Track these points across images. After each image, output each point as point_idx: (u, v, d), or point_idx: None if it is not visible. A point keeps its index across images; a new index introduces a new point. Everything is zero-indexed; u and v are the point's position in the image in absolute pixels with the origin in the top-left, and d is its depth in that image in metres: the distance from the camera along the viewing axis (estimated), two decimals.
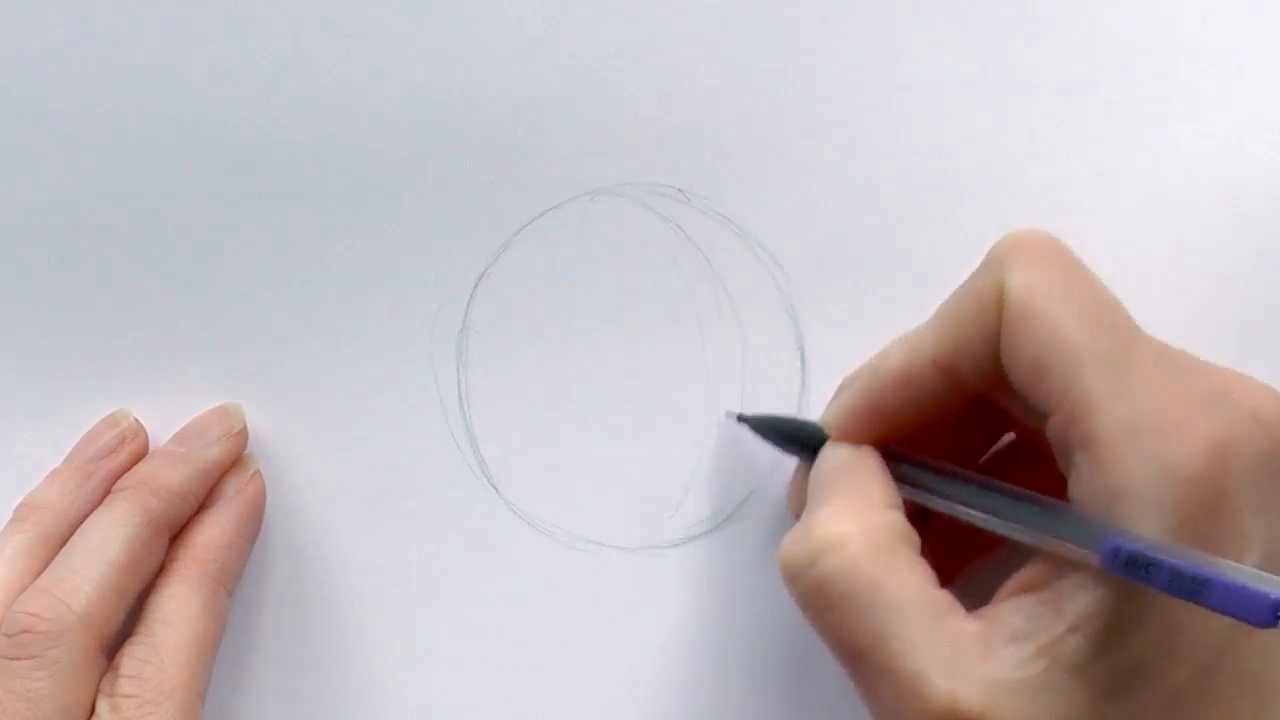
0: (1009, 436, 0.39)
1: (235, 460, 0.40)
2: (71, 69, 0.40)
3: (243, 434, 0.40)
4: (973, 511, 0.35)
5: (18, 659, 0.36)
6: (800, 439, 0.38)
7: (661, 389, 0.40)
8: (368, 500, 0.40)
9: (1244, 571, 0.29)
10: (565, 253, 0.40)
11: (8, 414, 0.40)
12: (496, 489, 0.40)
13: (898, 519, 0.35)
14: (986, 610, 0.33)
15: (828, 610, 0.33)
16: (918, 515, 0.36)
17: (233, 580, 0.39)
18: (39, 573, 0.37)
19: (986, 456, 0.39)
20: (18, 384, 0.40)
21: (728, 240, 0.40)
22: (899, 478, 0.36)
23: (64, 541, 0.38)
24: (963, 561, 0.37)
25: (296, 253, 0.40)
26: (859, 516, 0.34)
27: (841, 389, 0.38)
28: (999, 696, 0.31)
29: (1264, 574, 0.29)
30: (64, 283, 0.40)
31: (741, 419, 0.39)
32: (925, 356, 0.35)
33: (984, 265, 0.35)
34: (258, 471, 0.40)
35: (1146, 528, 0.30)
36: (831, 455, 0.37)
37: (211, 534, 0.39)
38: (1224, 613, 0.29)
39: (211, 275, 0.40)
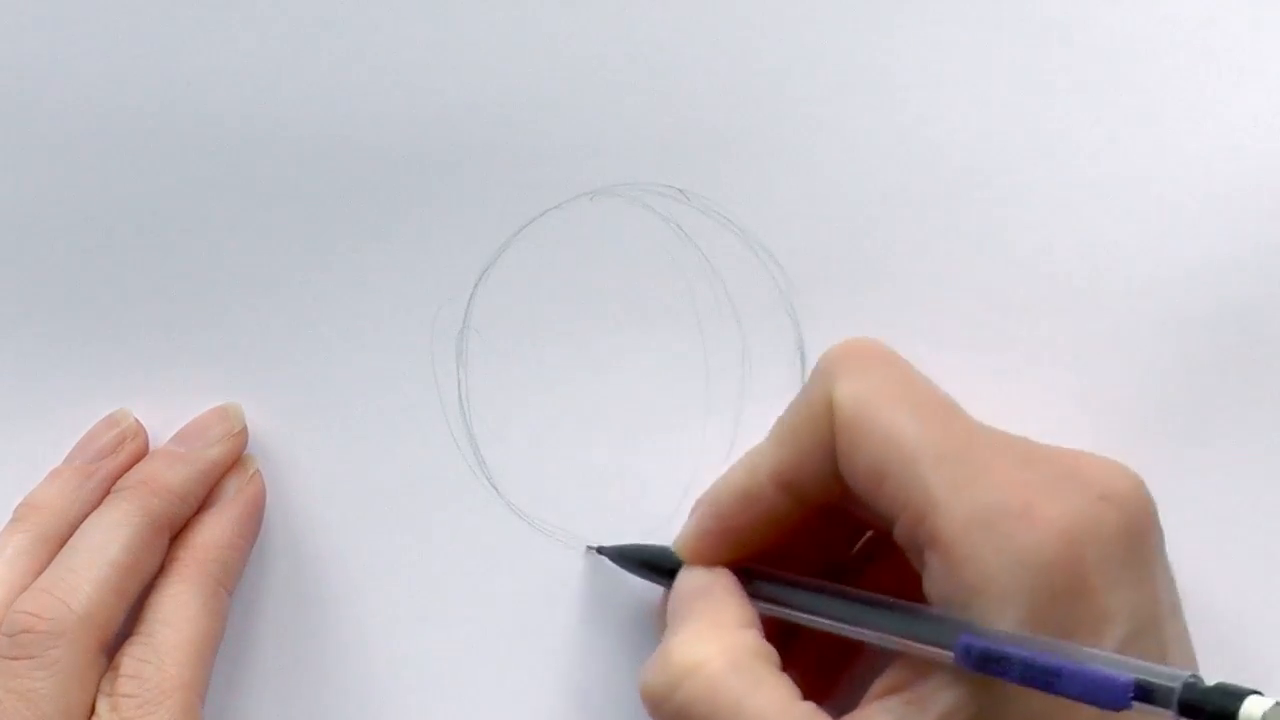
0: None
1: (235, 460, 0.40)
2: (71, 69, 0.40)
3: (243, 434, 0.40)
4: (831, 621, 0.35)
5: (18, 659, 0.36)
6: (656, 566, 0.38)
7: (661, 389, 0.40)
8: (368, 500, 0.40)
9: (1097, 657, 0.29)
10: (565, 253, 0.40)
11: (8, 414, 0.40)
12: (496, 489, 0.40)
13: (754, 638, 0.35)
14: (852, 716, 0.33)
15: None
16: (784, 632, 0.36)
17: (233, 580, 0.39)
18: (39, 573, 0.37)
19: (857, 548, 0.39)
20: (18, 384, 0.40)
21: (728, 240, 0.40)
22: (757, 595, 0.36)
23: (64, 541, 0.38)
24: (838, 673, 0.37)
25: (297, 252, 0.40)
26: (715, 639, 0.34)
27: (692, 511, 0.38)
28: None
29: (1118, 657, 0.29)
30: (64, 283, 0.40)
31: (600, 551, 0.40)
32: (763, 475, 0.35)
33: (813, 378, 0.35)
34: (258, 471, 0.40)
35: (1003, 620, 0.30)
36: (686, 579, 0.37)
37: (212, 534, 0.39)
38: (1078, 699, 0.29)
39: (211, 275, 0.40)
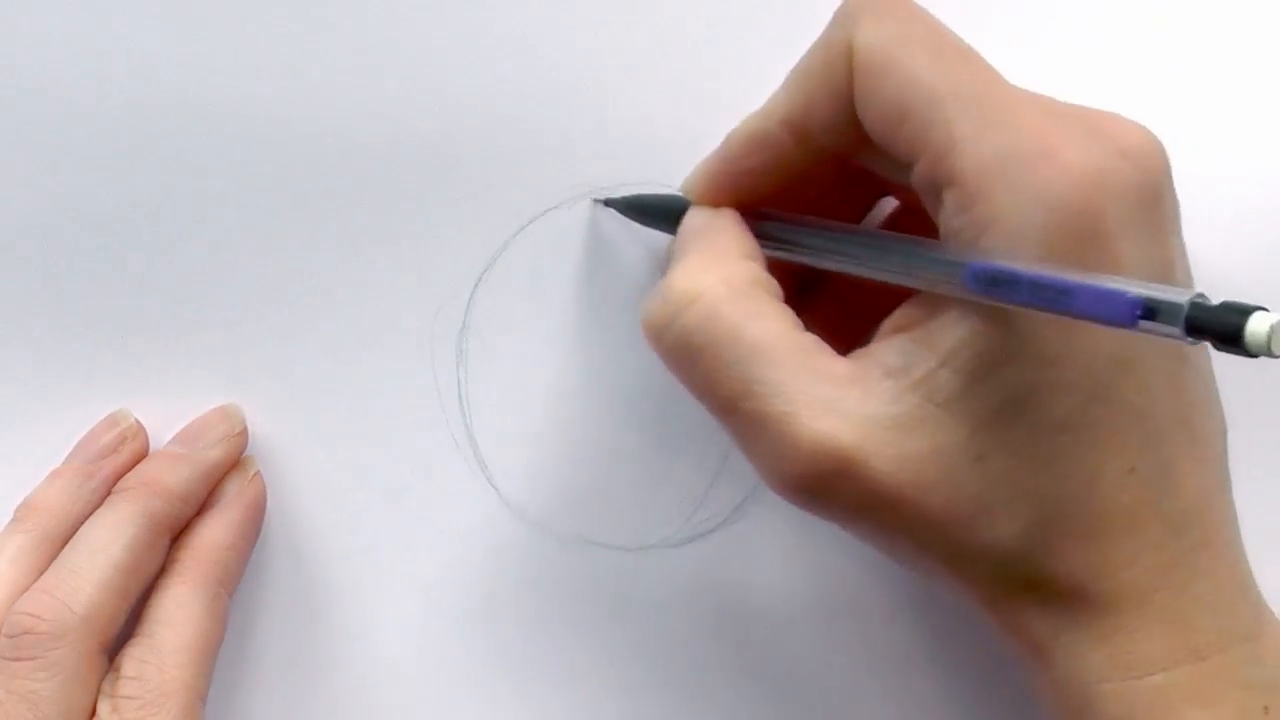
0: (887, 204, 0.38)
1: (236, 461, 0.40)
2: (71, 69, 0.40)
3: (243, 435, 0.40)
4: (837, 256, 0.34)
5: (19, 660, 0.36)
6: (664, 212, 0.38)
7: (661, 389, 0.40)
8: (367, 500, 0.40)
9: (1107, 279, 0.29)
10: (565, 253, 0.40)
11: (8, 414, 0.40)
12: (496, 489, 0.40)
13: (755, 269, 0.34)
14: (859, 352, 0.33)
15: (693, 365, 0.33)
16: (801, 286, 0.36)
17: (234, 581, 0.39)
18: (40, 573, 0.37)
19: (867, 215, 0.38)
20: (18, 384, 0.40)
21: None
22: (763, 236, 0.36)
23: (65, 542, 0.38)
24: (857, 330, 0.36)
25: (296, 252, 0.40)
26: (716, 268, 0.34)
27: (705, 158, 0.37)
28: (871, 433, 0.31)
29: (1125, 279, 0.29)
30: (64, 283, 0.40)
31: (608, 202, 0.39)
32: (775, 118, 0.35)
33: (830, 25, 0.34)
34: (258, 473, 0.40)
35: (1017, 256, 0.30)
36: (691, 218, 0.36)
37: (212, 535, 0.39)
38: (1086, 317, 0.28)
39: (211, 275, 0.40)
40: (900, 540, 0.33)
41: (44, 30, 0.40)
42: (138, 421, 0.40)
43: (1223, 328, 0.27)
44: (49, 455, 0.40)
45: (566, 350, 0.40)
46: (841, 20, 0.33)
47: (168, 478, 0.38)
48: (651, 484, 0.41)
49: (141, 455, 0.40)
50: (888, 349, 0.32)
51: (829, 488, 0.32)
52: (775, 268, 0.35)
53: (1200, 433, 0.33)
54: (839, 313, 0.37)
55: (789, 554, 0.41)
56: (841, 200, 0.37)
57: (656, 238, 0.39)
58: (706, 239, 0.35)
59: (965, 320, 0.31)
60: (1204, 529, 0.33)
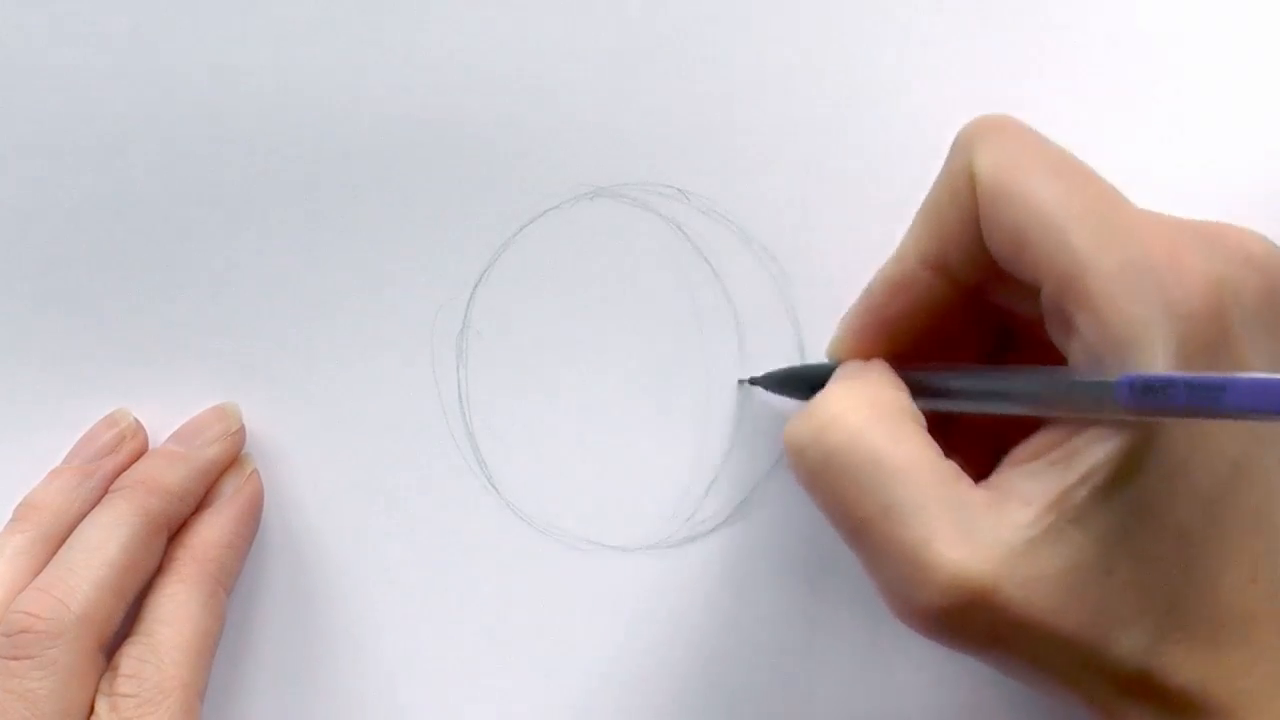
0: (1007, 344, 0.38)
1: (233, 460, 0.40)
2: (71, 69, 0.40)
3: (240, 433, 0.40)
4: (981, 400, 0.34)
5: (16, 659, 0.36)
6: (812, 380, 0.37)
7: (661, 389, 0.40)
8: (367, 500, 0.40)
9: (1258, 372, 0.29)
10: (565, 253, 0.40)
11: (8, 414, 0.40)
12: (496, 489, 0.40)
13: (902, 396, 0.35)
14: (994, 479, 0.33)
15: (833, 483, 0.33)
16: (939, 429, 0.35)
17: (231, 580, 0.39)
18: (39, 572, 0.37)
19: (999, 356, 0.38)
20: (18, 384, 0.40)
21: (728, 240, 0.40)
22: (909, 385, 0.36)
23: (63, 541, 0.38)
24: (989, 461, 0.36)
25: (296, 252, 0.40)
26: (865, 394, 0.34)
27: (841, 320, 0.38)
28: (1007, 560, 0.31)
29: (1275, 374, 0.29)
30: (64, 282, 0.40)
31: (753, 381, 0.39)
32: (912, 259, 0.35)
33: (951, 154, 0.34)
34: (255, 471, 0.40)
35: (1153, 368, 0.30)
36: (839, 370, 0.37)
37: (210, 534, 0.39)
38: (1245, 411, 0.28)
39: (211, 275, 0.40)
40: (1028, 663, 0.32)
41: (44, 30, 0.40)
42: (136, 421, 0.40)
43: None
44: (48, 455, 0.40)
45: (567, 350, 0.40)
46: (960, 148, 0.34)
47: (165, 476, 0.38)
48: (651, 484, 0.40)
49: (140, 454, 0.40)
50: (1024, 475, 0.32)
51: (963, 619, 0.32)
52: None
53: None
54: (972, 440, 0.37)
55: (788, 554, 0.40)
56: (970, 340, 0.38)
57: (656, 239, 0.39)
58: (854, 371, 0.36)
59: (1102, 440, 0.31)
60: None
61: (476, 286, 0.40)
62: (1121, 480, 0.31)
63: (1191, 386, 0.29)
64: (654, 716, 0.40)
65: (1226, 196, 0.40)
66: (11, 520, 0.39)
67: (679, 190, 0.40)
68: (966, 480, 0.33)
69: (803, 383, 0.38)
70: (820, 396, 0.35)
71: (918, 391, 0.35)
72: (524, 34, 0.40)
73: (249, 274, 0.40)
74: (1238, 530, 0.32)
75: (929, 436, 0.34)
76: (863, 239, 0.40)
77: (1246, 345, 0.31)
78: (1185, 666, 0.32)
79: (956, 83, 0.40)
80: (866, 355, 0.37)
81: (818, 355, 0.40)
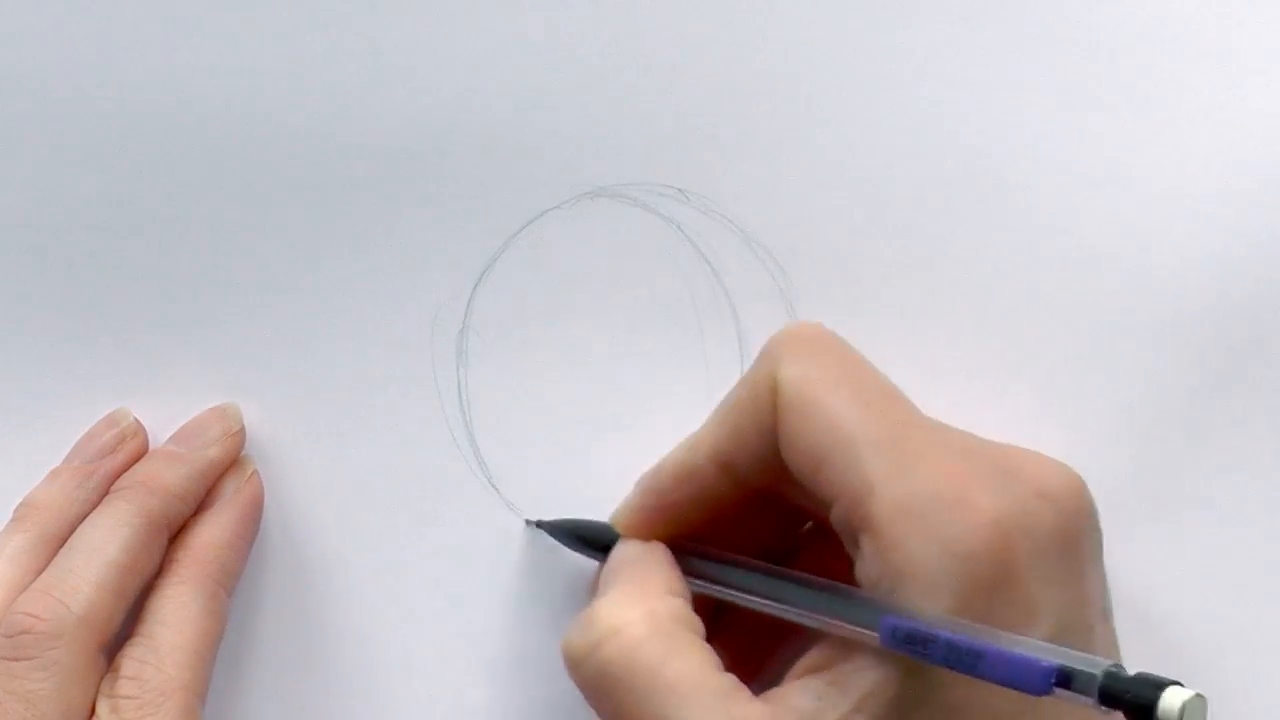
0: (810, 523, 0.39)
1: (233, 460, 0.40)
2: (71, 69, 0.40)
3: (241, 434, 0.40)
4: (759, 599, 0.35)
5: (17, 660, 0.36)
6: (593, 540, 0.38)
7: (661, 389, 0.40)
8: (367, 500, 0.40)
9: (1022, 642, 0.30)
10: (565, 253, 0.40)
11: (8, 414, 0.40)
12: (496, 489, 0.40)
13: (680, 605, 0.35)
14: (773, 693, 0.33)
15: (608, 697, 0.33)
16: (715, 614, 0.36)
17: (232, 580, 0.39)
18: (39, 573, 0.37)
19: (791, 540, 0.39)
20: (18, 384, 0.40)
21: (728, 240, 0.40)
22: (688, 571, 0.36)
23: (64, 541, 0.38)
24: (766, 658, 0.37)
25: (297, 253, 0.40)
26: (640, 603, 0.34)
27: (635, 486, 0.38)
28: None
29: (1041, 643, 0.30)
30: (64, 283, 0.40)
31: (540, 525, 0.40)
32: (703, 453, 0.35)
33: (758, 360, 0.35)
34: (255, 471, 0.40)
35: (930, 606, 0.30)
36: (620, 550, 0.37)
37: (210, 535, 0.39)
38: (1000, 682, 0.29)
39: (211, 275, 0.40)
40: None
41: (44, 30, 0.40)
42: (137, 421, 0.40)
43: (1136, 699, 0.28)
44: (49, 455, 0.40)
45: (566, 350, 0.40)
46: (767, 356, 0.34)
47: (165, 477, 0.38)
48: None
49: (140, 454, 0.40)
50: (801, 691, 0.32)
51: None
52: (694, 596, 0.36)
53: None
54: (750, 639, 0.37)
55: None
56: (765, 529, 0.38)
57: (656, 239, 0.39)
58: (633, 572, 0.36)
59: (878, 667, 0.31)
60: None
61: (476, 286, 0.40)
62: (899, 714, 0.31)
63: (951, 646, 0.29)
64: None
65: (1228, 195, 0.40)
66: (12, 520, 0.39)
67: (679, 190, 0.40)
68: (745, 693, 0.33)
69: (587, 538, 0.38)
70: (596, 606, 0.35)
71: (698, 575, 0.36)
72: (524, 34, 0.40)
73: (249, 274, 0.40)
74: None
75: (707, 647, 0.34)
76: (862, 239, 0.40)
77: (1034, 584, 0.31)
78: None
79: (957, 81, 0.40)
80: (649, 533, 0.37)
81: None
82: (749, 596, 0.35)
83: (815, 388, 0.33)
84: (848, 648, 0.32)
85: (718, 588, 0.36)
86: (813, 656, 0.33)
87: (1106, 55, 0.40)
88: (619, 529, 0.37)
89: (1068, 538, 0.32)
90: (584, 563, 0.39)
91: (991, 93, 0.40)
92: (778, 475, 0.34)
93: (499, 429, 0.40)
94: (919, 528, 0.31)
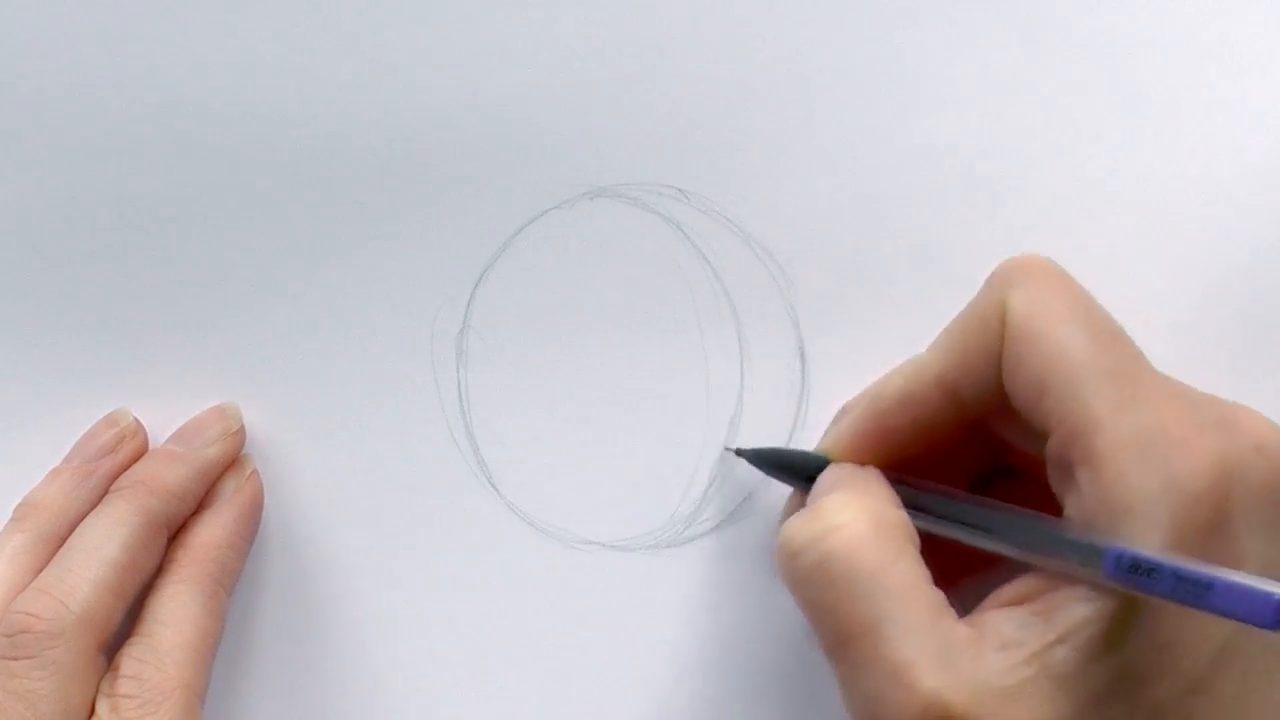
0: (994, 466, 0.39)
1: (233, 460, 0.40)
2: (71, 69, 0.40)
3: (240, 433, 0.40)
4: (969, 530, 0.35)
5: (16, 659, 0.36)
6: (799, 469, 0.38)
7: (661, 389, 0.40)
8: (367, 500, 0.40)
9: (1248, 576, 0.29)
10: (565, 253, 0.40)
11: (8, 414, 0.40)
12: (496, 489, 0.40)
13: (903, 516, 0.35)
14: (975, 618, 0.33)
15: (826, 590, 0.33)
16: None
17: (232, 580, 0.39)
18: (39, 572, 0.37)
19: (981, 483, 0.39)
20: (18, 384, 0.40)
21: (728, 240, 0.40)
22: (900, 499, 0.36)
23: (63, 541, 0.38)
24: (953, 584, 0.37)
25: (296, 253, 0.40)
26: (867, 506, 0.34)
27: (841, 414, 0.38)
28: (984, 699, 0.31)
29: (1268, 579, 0.29)
30: (64, 283, 0.40)
31: (740, 453, 0.39)
32: (929, 377, 0.35)
33: (986, 287, 0.35)
34: (255, 471, 0.40)
35: (1147, 542, 0.31)
36: (835, 470, 0.37)
37: (210, 534, 0.39)
38: (1228, 614, 0.29)
39: (211, 275, 0.40)
40: None
41: (44, 30, 0.40)
42: (136, 420, 0.40)
43: None
44: (49, 455, 0.40)
45: (566, 350, 0.40)
46: (997, 283, 0.34)
47: (165, 476, 0.38)
48: (651, 484, 0.40)
49: (140, 453, 0.40)
50: (1006, 619, 0.32)
51: None
52: None
53: None
54: (944, 557, 0.36)
55: None
56: (962, 461, 0.38)
57: (656, 239, 0.39)
58: (855, 481, 0.36)
59: (1086, 600, 0.31)
60: None
61: (476, 286, 0.40)
62: (1104, 647, 0.31)
63: (1179, 577, 0.29)
64: (654, 716, 0.40)
65: (1230, 195, 0.40)
66: (11, 520, 0.39)
67: (679, 190, 0.40)
68: (952, 614, 0.33)
69: (793, 469, 0.38)
70: (825, 502, 0.35)
71: (906, 505, 0.36)
72: (523, 34, 0.40)
73: (249, 274, 0.40)
74: (1212, 716, 0.32)
75: (923, 562, 0.34)
76: (862, 238, 0.40)
77: (1245, 533, 0.31)
78: None
79: (957, 82, 0.40)
80: (863, 460, 0.37)
81: (817, 356, 0.40)
82: (960, 528, 0.35)
83: (1044, 316, 0.33)
84: (1054, 581, 0.32)
85: (927, 518, 0.35)
86: (1016, 587, 0.33)
87: (1107, 55, 0.40)
88: (833, 454, 0.37)
89: (1277, 492, 0.32)
90: (592, 564, 0.40)
91: (991, 93, 0.40)
92: (998, 405, 0.34)
93: (499, 429, 0.40)
94: (1143, 463, 0.31)
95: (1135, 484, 0.31)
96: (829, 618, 0.33)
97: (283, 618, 0.40)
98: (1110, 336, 0.33)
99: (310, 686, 0.40)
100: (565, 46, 0.40)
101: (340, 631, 0.40)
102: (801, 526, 0.34)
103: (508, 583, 0.40)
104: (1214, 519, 0.31)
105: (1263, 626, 0.28)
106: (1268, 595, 0.28)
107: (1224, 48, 0.40)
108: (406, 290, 0.40)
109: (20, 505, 0.39)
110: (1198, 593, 0.29)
